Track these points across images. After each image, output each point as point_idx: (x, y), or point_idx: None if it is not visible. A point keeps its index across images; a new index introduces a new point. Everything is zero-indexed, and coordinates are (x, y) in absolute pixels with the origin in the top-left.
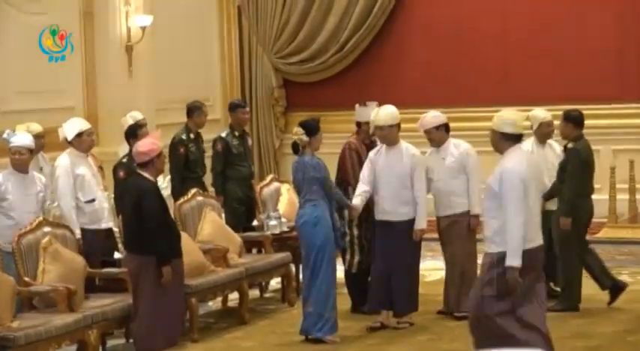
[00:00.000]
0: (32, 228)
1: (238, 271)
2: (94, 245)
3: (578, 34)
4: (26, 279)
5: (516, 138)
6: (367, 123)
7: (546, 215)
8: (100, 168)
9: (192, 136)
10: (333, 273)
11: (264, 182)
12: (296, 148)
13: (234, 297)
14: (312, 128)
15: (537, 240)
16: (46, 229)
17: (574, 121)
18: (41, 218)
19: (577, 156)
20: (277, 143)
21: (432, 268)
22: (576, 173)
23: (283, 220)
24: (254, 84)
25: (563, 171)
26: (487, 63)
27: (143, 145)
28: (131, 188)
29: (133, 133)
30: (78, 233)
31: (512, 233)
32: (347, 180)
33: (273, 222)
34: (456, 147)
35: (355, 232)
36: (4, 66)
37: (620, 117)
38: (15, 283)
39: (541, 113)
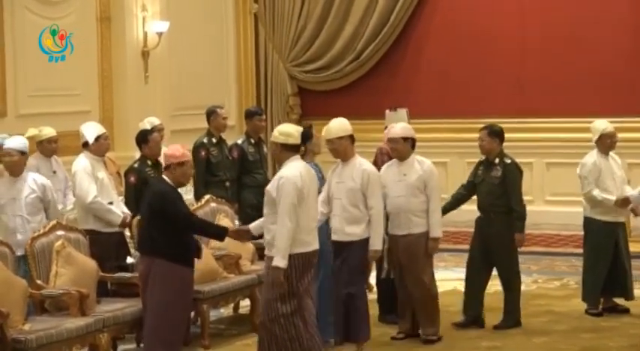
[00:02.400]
0: (45, 231)
1: (250, 278)
2: (107, 249)
3: (596, 47)
4: (39, 282)
5: (295, 148)
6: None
7: (614, 227)
8: (118, 173)
9: (214, 140)
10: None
11: None
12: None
13: (245, 304)
14: (304, 137)
15: (314, 244)
16: (60, 232)
17: (500, 135)
18: (55, 221)
19: (517, 170)
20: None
21: (444, 278)
22: (519, 187)
23: None
24: (269, 91)
25: (498, 187)
26: (504, 74)
27: (170, 148)
28: (150, 189)
29: (144, 138)
30: (119, 212)
31: (281, 236)
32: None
33: None
34: (420, 164)
35: None
36: (21, 69)
37: (633, 131)
38: (27, 285)
39: (601, 124)
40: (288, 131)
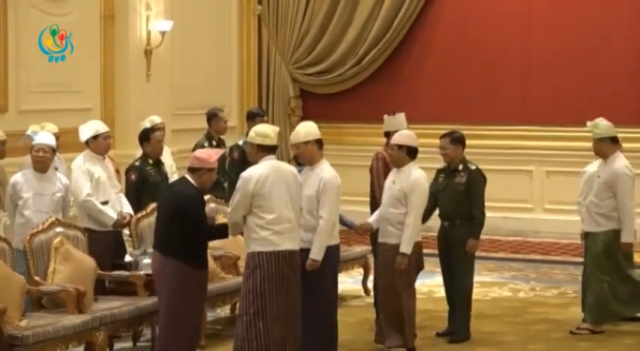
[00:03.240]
0: (44, 228)
1: None
2: (104, 248)
3: (598, 56)
4: (36, 278)
5: (271, 149)
6: (395, 133)
7: None
8: (117, 171)
9: (214, 142)
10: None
11: None
12: (297, 160)
13: None
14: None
15: (284, 245)
16: (59, 229)
17: (462, 142)
18: (54, 218)
19: (482, 176)
20: (292, 153)
21: (440, 284)
22: (482, 194)
23: None
24: (271, 93)
25: (462, 194)
26: (507, 81)
27: (202, 152)
28: (175, 191)
29: (146, 136)
30: (112, 214)
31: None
32: (372, 190)
33: None
34: (409, 175)
35: None
36: (23, 66)
37: (635, 141)
38: (25, 282)
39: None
40: (265, 132)
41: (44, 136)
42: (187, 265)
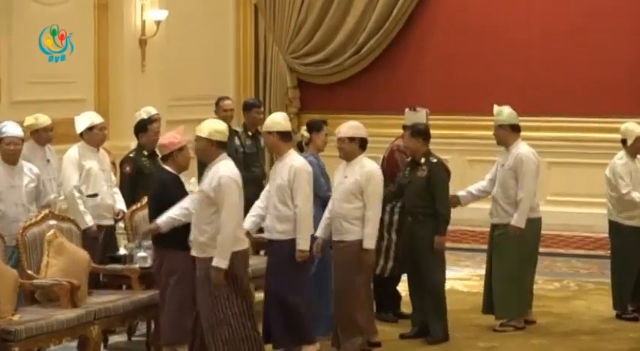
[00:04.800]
0: (37, 220)
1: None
2: (94, 242)
3: (602, 44)
4: (29, 272)
5: (224, 146)
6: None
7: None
8: (113, 164)
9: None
10: (326, 270)
11: None
12: (299, 147)
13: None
14: (314, 125)
15: (246, 242)
16: (52, 222)
17: (423, 134)
18: (47, 211)
19: (444, 170)
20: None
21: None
22: (445, 188)
23: None
24: (268, 83)
25: (424, 188)
26: (508, 70)
27: (164, 137)
28: (154, 181)
29: (143, 127)
30: (88, 220)
31: (227, 236)
32: (390, 182)
33: None
34: (362, 167)
35: (394, 237)
36: (17, 55)
37: None
38: (17, 275)
39: (637, 128)
40: (218, 128)
41: (12, 127)
42: (186, 252)
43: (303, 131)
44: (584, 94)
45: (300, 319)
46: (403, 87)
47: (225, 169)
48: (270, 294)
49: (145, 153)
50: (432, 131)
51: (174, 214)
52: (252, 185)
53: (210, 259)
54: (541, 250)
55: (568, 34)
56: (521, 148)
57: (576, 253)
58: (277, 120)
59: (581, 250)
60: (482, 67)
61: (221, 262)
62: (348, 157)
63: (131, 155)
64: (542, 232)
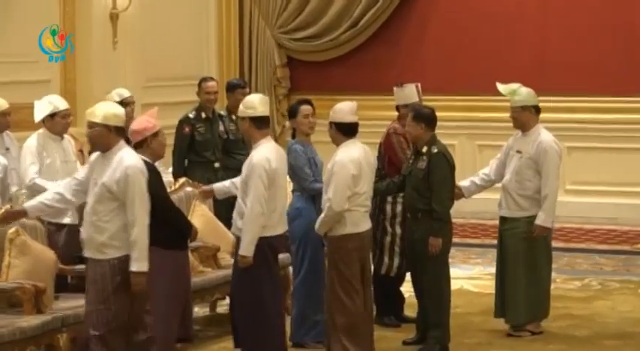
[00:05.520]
0: None
1: (230, 273)
2: (54, 240)
3: (622, 20)
4: None
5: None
6: (406, 106)
7: None
8: (81, 152)
9: (203, 115)
10: (318, 270)
11: None
12: (294, 135)
13: (224, 302)
14: (290, 110)
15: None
16: None
17: (426, 119)
18: (8, 206)
19: (445, 161)
20: (279, 130)
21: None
22: (445, 182)
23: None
24: (254, 62)
25: (423, 182)
26: (522, 45)
27: (136, 122)
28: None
29: None
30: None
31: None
32: (400, 168)
33: None
34: (335, 156)
35: (398, 230)
36: None
37: None
38: None
39: None
40: (115, 112)
41: None
42: (163, 249)
43: (287, 122)
44: (607, 72)
45: (240, 322)
46: (404, 64)
47: (130, 158)
48: (232, 296)
49: None
50: (438, 113)
51: (46, 199)
52: (234, 174)
53: (112, 260)
54: (560, 245)
55: (587, 8)
56: (543, 134)
57: (599, 248)
58: (251, 103)
59: (605, 245)
60: (493, 41)
61: (140, 265)
62: (334, 143)
63: None
64: (561, 225)
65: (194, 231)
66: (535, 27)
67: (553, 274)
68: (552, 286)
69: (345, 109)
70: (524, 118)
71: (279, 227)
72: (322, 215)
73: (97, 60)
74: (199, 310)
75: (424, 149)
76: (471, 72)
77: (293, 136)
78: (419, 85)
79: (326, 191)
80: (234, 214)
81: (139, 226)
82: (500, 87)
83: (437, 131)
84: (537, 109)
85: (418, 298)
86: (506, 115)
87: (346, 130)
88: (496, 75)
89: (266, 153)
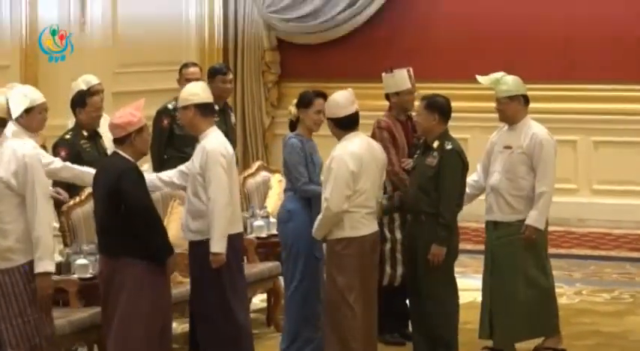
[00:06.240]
0: None
1: None
2: None
3: None
4: None
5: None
6: (397, 94)
7: None
8: (44, 147)
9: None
10: (312, 281)
11: (250, 171)
12: (291, 126)
13: None
14: (302, 99)
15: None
16: None
17: (441, 109)
18: None
19: (459, 160)
20: (268, 121)
21: (461, 288)
22: (457, 185)
23: (272, 220)
24: (240, 45)
25: (431, 181)
26: (545, 28)
27: (119, 116)
28: (107, 171)
29: (81, 100)
30: None
31: (44, 234)
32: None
33: (258, 222)
34: (334, 151)
35: (398, 235)
36: None
37: None
38: None
39: None
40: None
41: None
42: (146, 262)
43: (292, 107)
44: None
45: (205, 338)
46: (411, 48)
47: (23, 147)
48: (193, 307)
49: (85, 134)
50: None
51: None
52: None
53: (21, 267)
54: (586, 252)
55: None
56: (535, 126)
57: (630, 255)
58: (193, 90)
59: (637, 253)
60: (509, 23)
61: (46, 265)
62: (336, 138)
63: (67, 137)
64: (588, 229)
65: (172, 258)
66: (561, 6)
67: (578, 285)
68: (577, 299)
69: (339, 101)
70: (512, 109)
71: (237, 224)
72: (319, 217)
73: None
74: (178, 326)
75: (435, 144)
76: (487, 56)
77: (291, 128)
78: (410, 69)
79: (324, 190)
80: (185, 215)
81: (40, 220)
82: (481, 78)
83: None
84: (526, 99)
85: (411, 313)
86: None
87: (344, 124)
88: (517, 60)
89: (219, 139)
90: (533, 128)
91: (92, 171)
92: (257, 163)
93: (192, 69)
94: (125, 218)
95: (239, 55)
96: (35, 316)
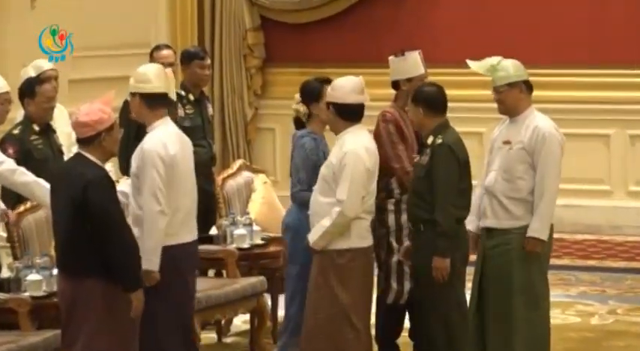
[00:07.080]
0: None
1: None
2: None
3: None
4: None
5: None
6: (409, 80)
7: None
8: None
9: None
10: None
11: (229, 171)
12: (298, 123)
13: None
14: (310, 92)
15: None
16: None
17: (428, 101)
18: None
19: (451, 155)
20: (250, 113)
21: None
22: (453, 185)
23: (256, 228)
24: (218, 25)
25: (423, 182)
26: (568, 7)
27: (86, 112)
28: (70, 177)
29: (30, 90)
30: None
31: None
32: (389, 166)
33: (239, 231)
34: (341, 147)
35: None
36: None
37: None
38: None
39: None
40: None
41: None
42: (114, 284)
43: (297, 105)
44: None
45: None
46: (414, 27)
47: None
48: None
49: (36, 128)
50: (457, 92)
51: None
52: (196, 172)
53: None
54: (621, 264)
55: None
56: (539, 118)
57: None
58: (144, 76)
59: None
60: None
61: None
62: (332, 130)
63: (15, 132)
64: (623, 238)
65: (137, 294)
66: None
67: (612, 303)
68: (611, 319)
69: (347, 85)
70: (513, 98)
71: (186, 233)
72: (328, 224)
73: (10, 22)
74: None
75: (429, 140)
76: (501, 38)
77: (297, 125)
78: (421, 52)
79: (328, 191)
80: (132, 223)
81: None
82: (473, 64)
83: (458, 116)
84: (529, 86)
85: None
86: (551, 94)
87: (349, 114)
88: (536, 44)
89: (161, 137)
90: (537, 120)
91: (47, 186)
92: (238, 162)
93: (164, 52)
94: (92, 235)
95: (217, 37)
96: None
